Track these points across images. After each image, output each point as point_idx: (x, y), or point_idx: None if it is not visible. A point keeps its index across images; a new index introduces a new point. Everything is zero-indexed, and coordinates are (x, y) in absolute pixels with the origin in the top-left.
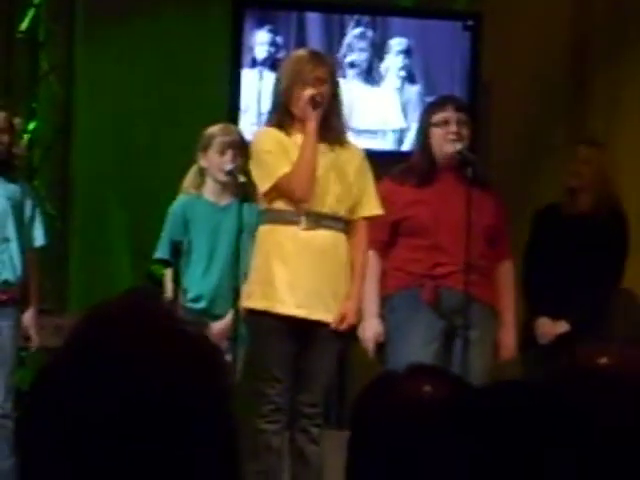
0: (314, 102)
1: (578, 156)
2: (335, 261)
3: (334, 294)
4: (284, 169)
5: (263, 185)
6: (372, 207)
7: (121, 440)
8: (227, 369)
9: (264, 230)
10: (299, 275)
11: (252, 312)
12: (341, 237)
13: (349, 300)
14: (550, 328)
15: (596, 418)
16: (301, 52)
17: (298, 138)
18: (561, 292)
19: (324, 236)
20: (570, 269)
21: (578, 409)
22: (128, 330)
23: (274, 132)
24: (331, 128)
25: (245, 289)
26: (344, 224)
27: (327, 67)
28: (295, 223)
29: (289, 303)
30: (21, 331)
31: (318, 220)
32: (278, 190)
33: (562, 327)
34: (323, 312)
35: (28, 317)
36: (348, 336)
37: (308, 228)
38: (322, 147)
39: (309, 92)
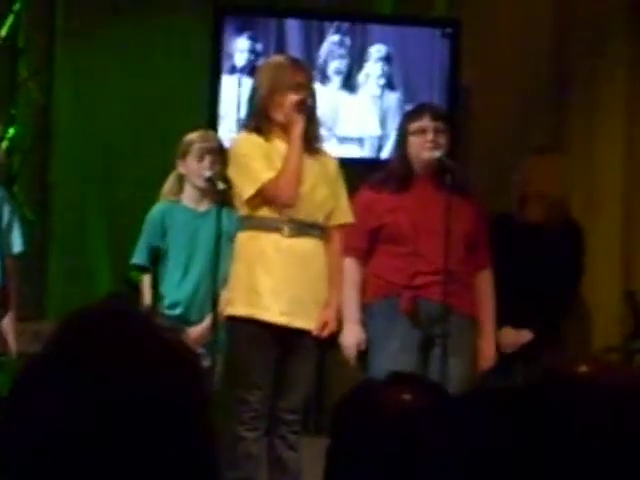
0: (300, 107)
1: (527, 165)
2: (316, 268)
3: (315, 301)
4: (268, 174)
5: (246, 191)
6: (346, 215)
7: (98, 446)
8: (205, 375)
9: (245, 237)
10: (282, 282)
11: (234, 319)
12: (320, 244)
13: (329, 307)
14: (514, 338)
15: (576, 423)
16: (280, 58)
17: (277, 144)
18: (521, 301)
19: (306, 243)
20: (527, 279)
21: (558, 412)
22: (106, 336)
23: (254, 138)
24: (308, 136)
25: (225, 296)
26: (321, 231)
27: (306, 73)
28: (277, 230)
29: (273, 310)
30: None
31: (300, 228)
32: (262, 196)
33: (525, 336)
34: (305, 319)
35: (6, 323)
36: (328, 343)
37: (290, 236)
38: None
39: (295, 97)
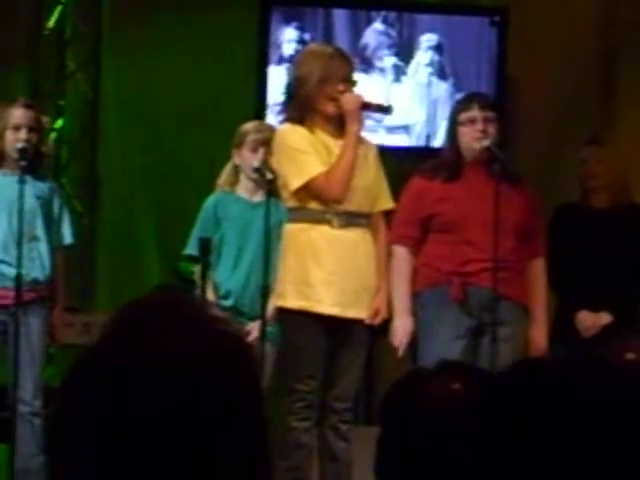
0: (366, 107)
1: (589, 157)
2: (365, 257)
3: (366, 290)
4: (318, 168)
5: (294, 183)
6: (387, 201)
7: (153, 438)
8: (259, 366)
9: (294, 229)
10: (333, 274)
11: (286, 311)
12: (368, 232)
13: (379, 294)
14: (593, 320)
15: (613, 410)
16: (329, 49)
17: (321, 136)
18: (595, 285)
19: (354, 233)
20: (598, 263)
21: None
22: (160, 327)
23: (302, 130)
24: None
25: (277, 288)
26: (367, 219)
27: (352, 65)
28: (327, 222)
29: (326, 302)
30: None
31: (349, 218)
32: (310, 189)
33: (605, 319)
34: (357, 309)
35: (55, 315)
36: (378, 331)
37: (340, 227)
38: (342, 145)
39: (361, 96)
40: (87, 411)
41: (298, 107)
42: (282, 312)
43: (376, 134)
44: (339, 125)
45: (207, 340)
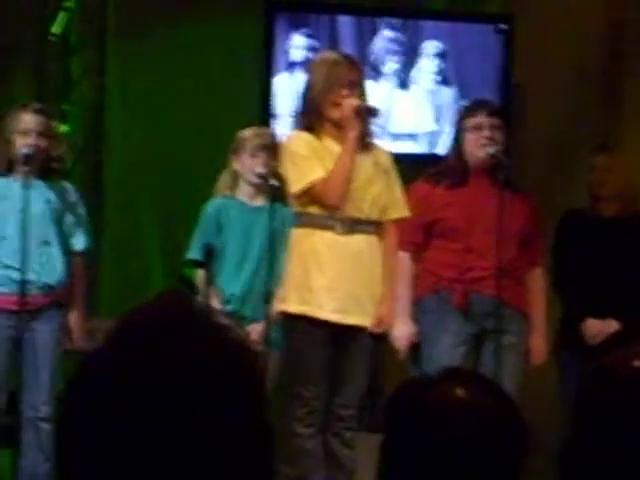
0: (359, 112)
1: (599, 165)
2: (371, 264)
3: (371, 297)
4: (318, 174)
5: (293, 187)
6: (401, 209)
7: (158, 443)
8: (262, 371)
9: (299, 234)
10: (336, 280)
11: (288, 316)
12: (374, 240)
13: (384, 303)
14: (600, 328)
15: (623, 418)
16: (334, 55)
17: (328, 143)
18: (601, 293)
19: (359, 240)
20: (605, 270)
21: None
22: (163, 334)
23: (307, 136)
24: (360, 132)
25: (280, 293)
26: (376, 227)
27: (360, 71)
28: (330, 228)
29: (327, 308)
30: (66, 334)
31: (353, 225)
32: (310, 194)
33: (612, 326)
34: (359, 316)
35: (74, 320)
36: (380, 338)
37: (343, 233)
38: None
39: (354, 101)
40: (93, 416)
41: (307, 114)
42: (284, 316)
43: (381, 141)
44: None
45: (210, 346)
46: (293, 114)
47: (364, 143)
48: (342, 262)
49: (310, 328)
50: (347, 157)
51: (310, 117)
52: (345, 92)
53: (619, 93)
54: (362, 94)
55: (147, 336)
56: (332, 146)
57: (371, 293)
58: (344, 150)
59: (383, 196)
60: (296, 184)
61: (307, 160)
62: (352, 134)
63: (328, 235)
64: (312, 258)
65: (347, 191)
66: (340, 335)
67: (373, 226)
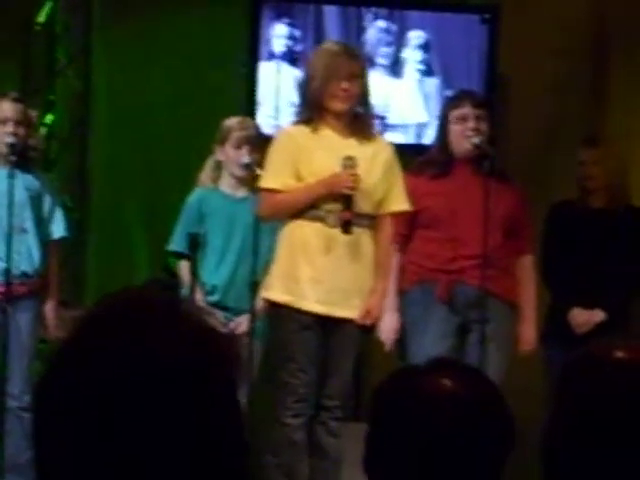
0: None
1: (587, 158)
2: (359, 258)
3: (360, 291)
4: (274, 183)
5: (263, 182)
6: (400, 202)
7: (133, 427)
8: (239, 360)
9: (291, 224)
10: (324, 272)
11: (273, 304)
12: (365, 233)
13: (373, 295)
14: (587, 318)
15: (603, 408)
16: (334, 46)
17: (327, 133)
18: (588, 283)
19: (344, 237)
20: (592, 261)
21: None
22: (132, 320)
23: (295, 134)
24: (360, 123)
25: (266, 280)
26: (369, 220)
27: (360, 62)
28: (321, 220)
29: (311, 299)
30: (41, 323)
31: (341, 219)
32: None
33: (599, 316)
34: (346, 309)
35: (48, 309)
36: (366, 329)
37: (335, 225)
38: (352, 142)
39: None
40: (69, 402)
41: (306, 106)
42: (269, 304)
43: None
44: (349, 123)
45: (177, 332)
46: (278, 104)
47: (366, 134)
48: (331, 255)
49: (294, 317)
50: (302, 195)
51: (310, 109)
52: (345, 84)
53: (605, 84)
54: (364, 86)
55: (116, 323)
56: (333, 138)
57: (361, 286)
58: (304, 188)
59: (379, 190)
60: (262, 180)
61: (276, 164)
62: (327, 182)
63: (319, 227)
64: (301, 249)
65: (277, 216)
66: (326, 326)
67: (366, 219)
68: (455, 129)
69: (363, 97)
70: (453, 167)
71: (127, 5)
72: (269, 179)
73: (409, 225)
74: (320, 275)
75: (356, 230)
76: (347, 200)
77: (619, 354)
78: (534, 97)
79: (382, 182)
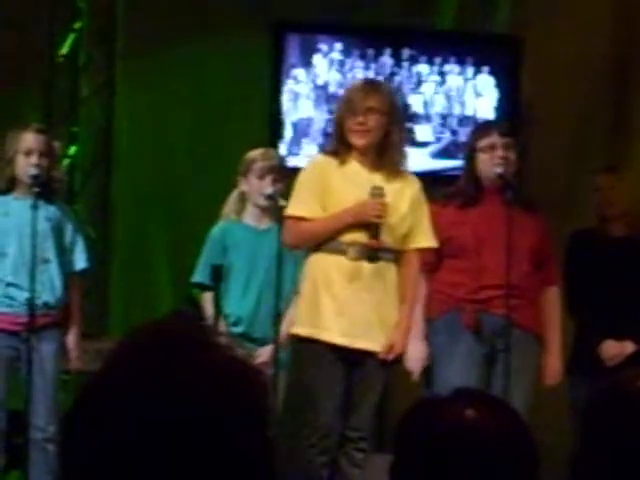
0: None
1: (604, 185)
2: (383, 290)
3: (382, 323)
4: (302, 211)
5: (289, 209)
6: (426, 239)
7: (163, 464)
8: (267, 392)
9: (313, 257)
10: (345, 304)
11: (298, 338)
12: (389, 267)
13: (397, 330)
14: (618, 349)
15: (631, 443)
16: (357, 81)
17: (354, 165)
18: (615, 314)
19: (370, 266)
20: (616, 292)
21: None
22: (164, 354)
23: (324, 162)
24: (387, 158)
25: (292, 316)
26: (392, 254)
27: (381, 96)
28: (342, 253)
29: (334, 331)
30: (64, 354)
31: (366, 250)
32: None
33: (630, 347)
34: (369, 341)
35: (71, 340)
36: (395, 365)
37: (355, 258)
38: (377, 178)
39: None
40: (97, 437)
41: (333, 139)
42: (295, 339)
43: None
44: (375, 157)
45: (211, 366)
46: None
47: (394, 170)
48: (352, 287)
49: (319, 351)
50: (330, 224)
51: (335, 143)
52: (360, 119)
53: (628, 112)
54: (392, 119)
55: (147, 358)
56: (359, 171)
57: (383, 319)
58: (333, 218)
59: (404, 225)
60: (289, 208)
61: (304, 192)
62: (348, 220)
63: (340, 259)
64: (323, 282)
65: (305, 244)
66: (349, 358)
67: (390, 253)
68: (483, 158)
69: (391, 132)
70: (481, 196)
71: (150, 37)
72: (296, 207)
73: (436, 254)
74: (342, 307)
75: (377, 263)
76: (374, 229)
77: None
78: (559, 124)
79: (408, 217)
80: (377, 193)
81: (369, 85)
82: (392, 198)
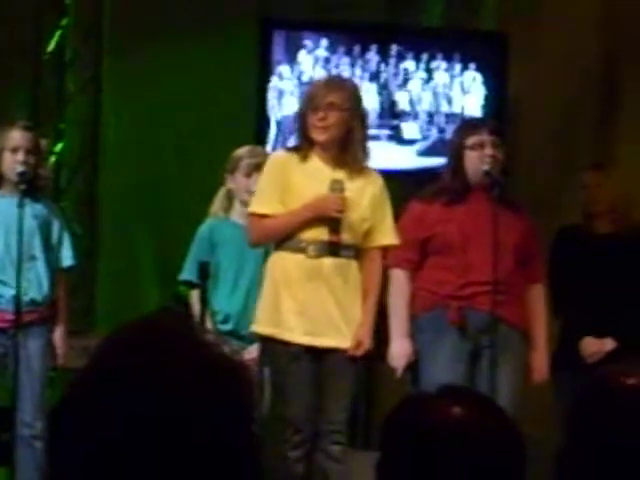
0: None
1: (590, 182)
2: (343, 287)
3: (346, 320)
4: (263, 208)
5: (250, 206)
6: (388, 237)
7: (149, 458)
8: (254, 388)
9: (274, 256)
10: (306, 302)
11: (261, 337)
12: (349, 263)
13: (362, 327)
14: (598, 347)
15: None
16: (320, 77)
17: (315, 161)
18: (598, 311)
19: (330, 263)
20: (601, 288)
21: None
22: (149, 350)
23: (283, 160)
24: (349, 155)
25: (255, 314)
26: (353, 250)
27: (343, 92)
28: (302, 251)
29: (296, 330)
30: (51, 351)
31: (326, 248)
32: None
33: (610, 344)
34: (334, 338)
35: (57, 337)
36: (375, 357)
37: (316, 256)
38: (339, 175)
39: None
40: (85, 432)
41: (297, 135)
42: (258, 338)
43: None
44: (337, 154)
45: (196, 362)
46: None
47: (357, 167)
48: (313, 285)
49: (283, 349)
50: (292, 219)
51: (300, 138)
52: (321, 114)
53: (614, 110)
54: (355, 115)
55: (134, 354)
56: (320, 167)
57: (348, 316)
58: (293, 213)
59: (366, 222)
60: (250, 205)
61: (265, 189)
62: (313, 205)
63: (300, 258)
64: (283, 281)
65: (266, 241)
66: (316, 356)
67: (350, 250)
68: (472, 155)
69: (353, 128)
70: (468, 194)
71: (137, 33)
72: (258, 204)
73: (420, 252)
74: (302, 307)
75: (337, 260)
76: (335, 224)
77: (631, 381)
78: (544, 121)
79: (369, 215)
80: (337, 187)
81: (331, 81)
82: (354, 195)
